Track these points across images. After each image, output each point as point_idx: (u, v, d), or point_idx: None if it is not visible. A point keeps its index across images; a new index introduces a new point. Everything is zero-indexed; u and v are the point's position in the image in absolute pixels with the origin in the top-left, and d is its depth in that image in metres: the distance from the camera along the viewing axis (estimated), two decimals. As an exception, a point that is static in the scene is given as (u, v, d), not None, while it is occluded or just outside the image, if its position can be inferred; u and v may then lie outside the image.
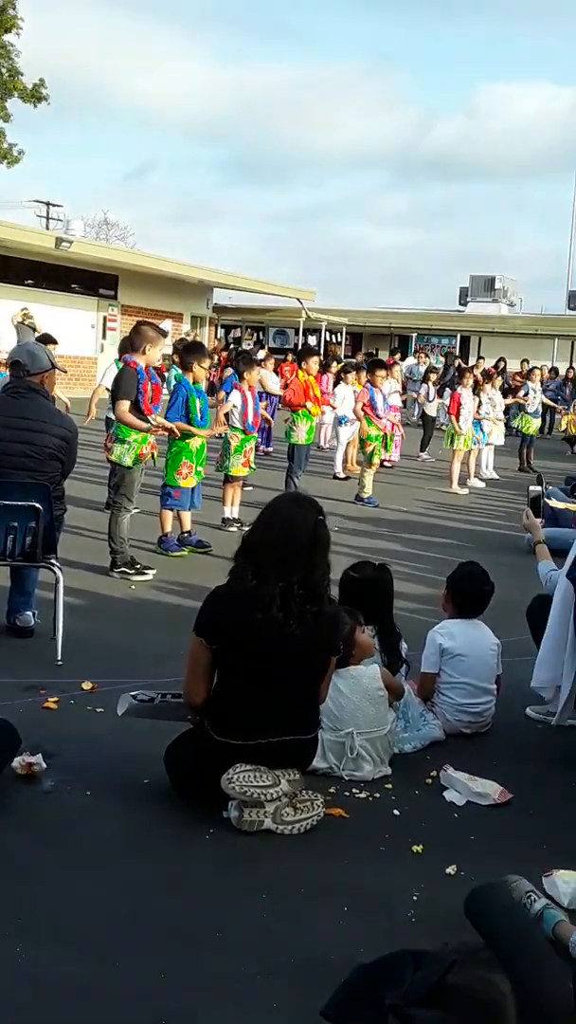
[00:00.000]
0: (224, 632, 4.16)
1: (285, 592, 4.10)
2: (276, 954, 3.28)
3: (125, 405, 8.11)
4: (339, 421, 16.53)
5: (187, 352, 9.76)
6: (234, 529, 10.35)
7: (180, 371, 9.63)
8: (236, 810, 4.09)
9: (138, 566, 8.27)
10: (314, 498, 4.58)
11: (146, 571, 8.26)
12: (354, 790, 4.58)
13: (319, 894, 3.69)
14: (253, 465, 11.15)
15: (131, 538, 8.51)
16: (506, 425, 19.02)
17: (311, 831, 4.14)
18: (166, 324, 12.89)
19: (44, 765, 4.42)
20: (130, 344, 8.61)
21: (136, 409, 8.19)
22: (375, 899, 3.69)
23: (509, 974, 2.52)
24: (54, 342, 11.83)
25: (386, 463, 15.88)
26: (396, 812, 4.42)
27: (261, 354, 22.63)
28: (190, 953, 3.26)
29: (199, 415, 9.31)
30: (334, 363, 21.01)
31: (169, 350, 17.35)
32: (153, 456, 8.52)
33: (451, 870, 3.90)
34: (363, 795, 4.55)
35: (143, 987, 3.06)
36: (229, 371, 15.50)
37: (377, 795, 4.56)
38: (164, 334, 9.00)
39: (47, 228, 40.11)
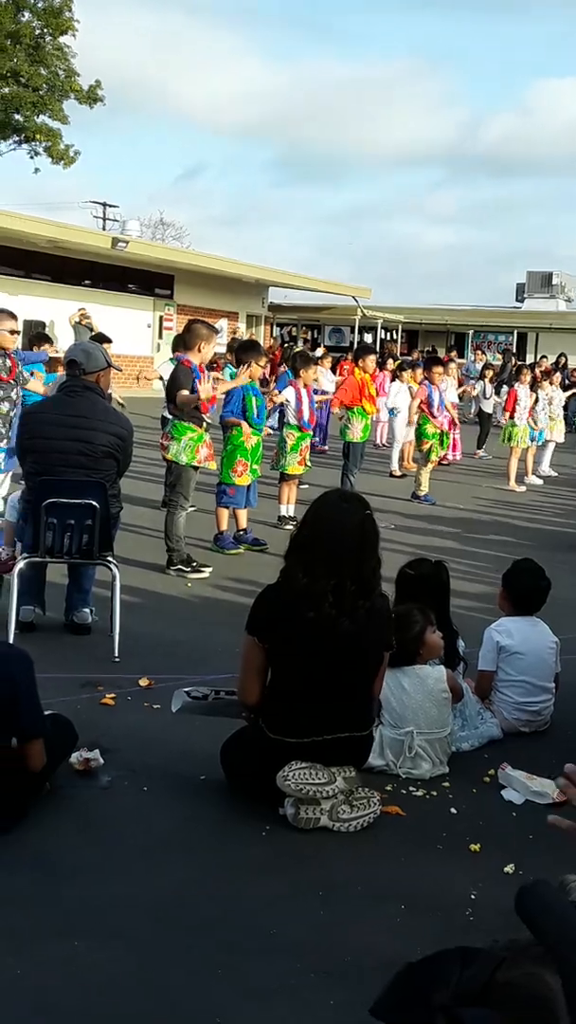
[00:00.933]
0: (277, 630, 4.15)
1: (337, 588, 4.08)
2: (332, 953, 3.26)
3: (184, 393, 8.12)
4: (390, 412, 16.48)
5: (243, 350, 9.76)
6: (290, 527, 10.32)
7: (236, 369, 9.62)
8: (292, 807, 4.08)
9: (194, 564, 8.29)
10: (360, 494, 4.56)
11: (202, 569, 8.27)
12: (411, 788, 4.55)
13: (375, 893, 3.67)
14: (309, 463, 11.14)
15: (187, 536, 8.53)
16: (566, 421, 18.83)
17: (367, 829, 4.12)
18: (220, 323, 12.91)
19: (101, 761, 4.44)
20: (183, 342, 8.63)
21: (193, 407, 8.21)
22: (432, 898, 3.66)
23: (560, 969, 2.47)
24: (108, 341, 11.89)
25: (444, 461, 15.79)
26: (453, 810, 4.38)
27: (319, 352, 22.64)
28: (245, 951, 3.25)
29: (256, 413, 9.32)
30: (390, 361, 20.92)
31: (223, 349, 17.40)
32: (212, 461, 8.53)
33: (509, 869, 3.86)
34: (420, 793, 4.52)
35: (198, 984, 3.06)
36: (283, 368, 15.52)
37: (434, 793, 4.53)
38: (216, 331, 9.02)
39: (103, 228, 40.44)
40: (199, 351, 8.35)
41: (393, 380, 17.35)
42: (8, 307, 9.38)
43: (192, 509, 8.82)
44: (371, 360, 12.95)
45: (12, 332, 8.67)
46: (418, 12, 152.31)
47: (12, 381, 8.61)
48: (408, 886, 3.72)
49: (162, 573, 8.18)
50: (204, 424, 8.33)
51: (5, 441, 8.65)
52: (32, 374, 10.35)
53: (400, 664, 4.72)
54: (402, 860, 3.94)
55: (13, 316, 8.86)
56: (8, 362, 8.59)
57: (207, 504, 9.85)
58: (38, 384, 9.78)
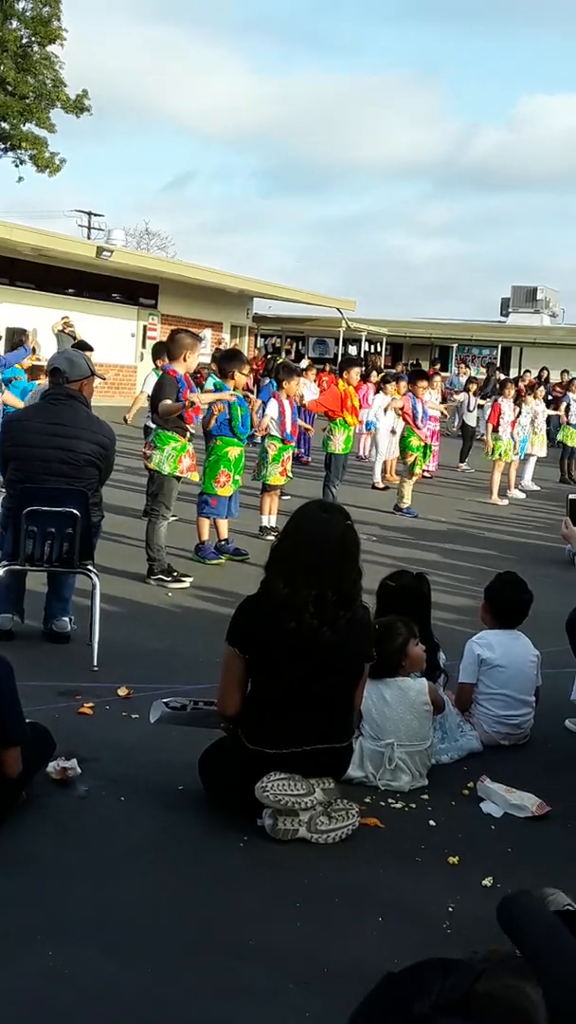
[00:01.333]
0: (257, 641, 4.14)
1: (318, 599, 4.07)
2: (309, 963, 3.24)
3: (167, 402, 8.11)
4: (367, 426, 16.52)
5: (226, 360, 9.75)
6: (271, 538, 10.31)
7: (220, 379, 9.62)
8: (270, 818, 4.05)
9: (175, 574, 8.27)
10: (342, 505, 4.56)
11: (183, 579, 8.25)
12: (390, 800, 4.54)
13: (353, 904, 3.65)
14: (291, 474, 11.13)
15: (168, 546, 8.51)
16: (548, 436, 18.89)
17: (346, 840, 4.10)
18: (203, 333, 12.92)
19: (79, 770, 4.42)
20: (167, 352, 8.62)
21: (176, 417, 8.20)
22: (410, 910, 3.64)
23: (542, 981, 2.46)
24: (90, 349, 11.89)
25: (425, 473, 15.82)
26: (432, 823, 4.37)
27: (304, 363, 22.67)
28: (223, 960, 3.23)
29: (240, 422, 9.32)
30: (374, 373, 20.96)
31: (207, 359, 17.41)
32: (195, 472, 8.52)
33: (487, 882, 3.85)
34: (399, 805, 4.51)
35: (176, 993, 3.04)
36: (266, 380, 15.53)
37: (413, 805, 4.52)
38: (200, 341, 9.02)
39: (88, 238, 40.44)
40: (184, 360, 8.35)
41: (377, 392, 17.38)
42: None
43: (174, 519, 8.80)
44: (355, 372, 12.96)
45: None
46: (411, 25, 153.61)
47: None
48: (387, 898, 3.71)
49: (142, 582, 8.16)
50: (188, 434, 8.32)
51: None
52: (7, 382, 10.33)
53: (382, 676, 4.71)
54: (381, 872, 3.93)
55: None
56: None
57: (188, 514, 9.83)
58: (15, 400, 9.77)
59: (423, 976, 2.56)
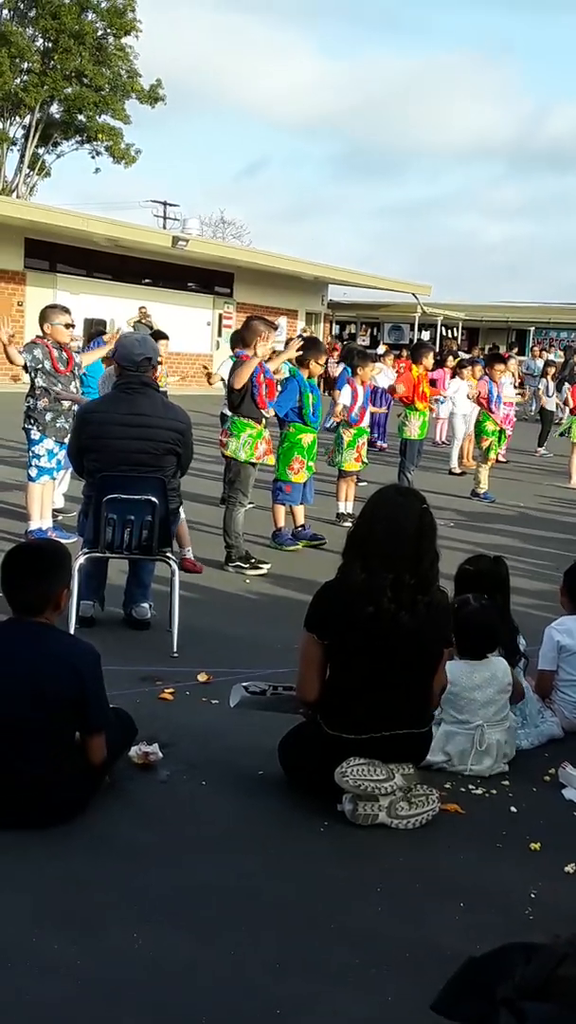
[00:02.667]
0: (335, 627, 4.14)
1: (396, 583, 4.06)
2: (390, 947, 3.26)
3: (242, 370, 8.17)
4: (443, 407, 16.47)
5: (303, 347, 9.76)
6: (348, 524, 10.30)
7: (294, 366, 9.63)
8: (350, 803, 4.07)
9: (252, 560, 8.31)
10: (417, 490, 4.55)
11: (260, 565, 8.29)
12: (470, 786, 4.53)
13: (434, 889, 3.65)
14: (366, 460, 11.12)
15: (246, 532, 8.55)
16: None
17: (426, 826, 4.10)
18: (281, 321, 12.92)
19: (160, 755, 4.47)
20: (241, 339, 8.65)
21: (251, 403, 8.23)
22: (491, 896, 3.63)
23: None
24: (165, 337, 11.97)
25: (500, 458, 15.68)
26: (513, 809, 4.35)
27: (380, 350, 22.58)
28: (304, 943, 3.25)
29: (311, 411, 9.33)
30: (450, 358, 20.82)
31: (283, 347, 17.41)
32: (270, 456, 8.55)
33: (570, 868, 3.82)
34: (479, 791, 4.49)
35: (257, 974, 3.07)
36: (340, 367, 15.48)
37: (494, 791, 4.50)
38: (275, 328, 9.02)
39: (164, 227, 40.67)
40: (255, 347, 8.37)
41: (453, 377, 17.26)
42: (68, 305, 9.46)
43: (251, 506, 8.83)
44: (428, 358, 12.89)
45: (67, 326, 8.74)
46: (481, 3, 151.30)
47: (70, 373, 8.67)
48: (467, 884, 3.70)
49: (220, 569, 8.21)
50: (263, 421, 8.35)
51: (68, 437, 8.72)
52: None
53: (472, 656, 4.70)
54: (461, 858, 3.92)
55: (66, 310, 8.94)
56: (65, 355, 8.65)
57: (266, 501, 9.86)
58: (93, 355, 9.84)
59: (506, 960, 2.56)
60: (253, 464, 8.31)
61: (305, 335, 22.49)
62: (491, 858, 3.93)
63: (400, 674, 4.11)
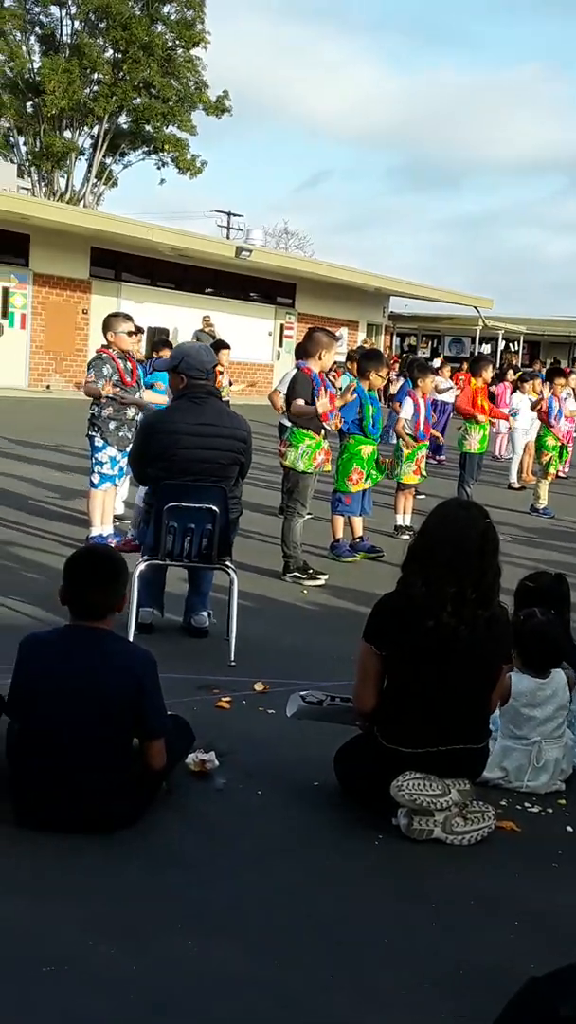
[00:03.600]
0: (394, 639, 4.13)
1: (457, 597, 4.05)
2: (443, 966, 3.24)
3: (299, 403, 8.18)
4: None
5: (365, 359, 9.77)
6: (406, 537, 10.29)
7: (355, 377, 9.65)
8: (405, 817, 4.06)
9: (310, 571, 8.32)
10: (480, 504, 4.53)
11: (318, 576, 8.29)
12: (526, 804, 4.49)
13: (488, 907, 3.63)
14: (424, 473, 11.10)
15: (304, 543, 8.56)
16: None
17: (481, 843, 4.08)
18: (341, 332, 12.95)
19: (217, 763, 4.48)
20: (304, 350, 8.67)
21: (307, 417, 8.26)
22: (546, 916, 3.60)
23: None
24: (227, 347, 12.06)
25: (560, 474, 15.56)
26: (569, 828, 4.32)
27: (437, 362, 22.52)
28: (356, 958, 3.25)
29: (371, 423, 9.33)
30: (510, 372, 20.69)
31: (343, 358, 17.45)
32: (328, 465, 8.56)
33: (627, 891, 3.78)
34: (535, 809, 4.46)
35: (308, 989, 3.06)
36: (400, 380, 15.46)
37: (550, 810, 4.47)
38: (337, 339, 9.04)
39: (227, 238, 40.89)
40: (319, 359, 8.39)
41: (514, 391, 17.16)
42: (131, 314, 9.56)
43: (309, 516, 8.85)
44: (488, 371, 12.83)
45: (130, 334, 8.82)
46: (544, 16, 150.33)
47: (135, 385, 8.75)
48: (522, 902, 3.68)
49: (278, 579, 8.22)
50: (323, 431, 8.36)
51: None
52: (153, 385, 10.54)
53: (536, 669, 4.68)
54: (516, 876, 3.89)
55: (129, 318, 9.02)
56: (129, 365, 8.72)
57: (324, 512, 9.87)
58: (159, 398, 9.94)
59: (569, 979, 2.53)
60: (311, 474, 8.32)
61: (366, 346, 22.50)
62: (546, 877, 3.90)
63: (458, 689, 4.09)
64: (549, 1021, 2.37)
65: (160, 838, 3.92)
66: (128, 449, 8.56)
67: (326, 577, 8.33)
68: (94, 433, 8.63)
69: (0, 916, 3.32)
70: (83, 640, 4.01)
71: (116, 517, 9.41)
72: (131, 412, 8.67)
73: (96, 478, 8.67)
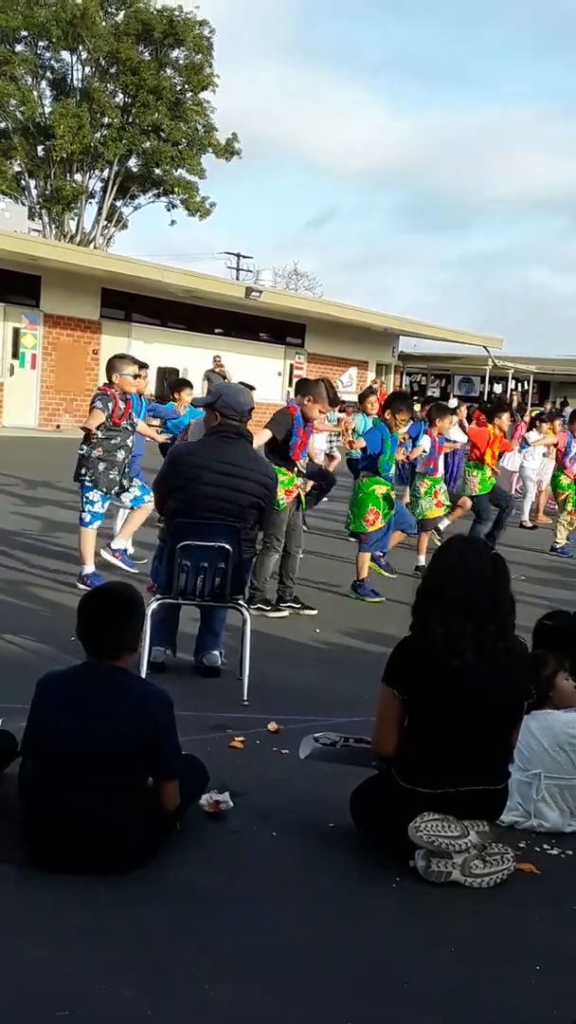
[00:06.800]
0: (416, 682, 4.08)
1: (477, 631, 4.01)
2: (465, 1008, 3.18)
3: (265, 435, 8.16)
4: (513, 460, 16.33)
5: (392, 400, 9.92)
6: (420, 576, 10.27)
7: (379, 417, 9.72)
8: (424, 860, 3.99)
9: (273, 604, 8.32)
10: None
11: (281, 608, 8.33)
12: (545, 846, 4.43)
13: (510, 951, 3.57)
14: (447, 504, 11.26)
15: (301, 578, 8.55)
16: None
17: (500, 885, 4.01)
18: (349, 373, 13.05)
19: (231, 804, 4.43)
20: (302, 390, 8.73)
21: (282, 449, 8.22)
22: (569, 960, 3.54)
23: None
24: (252, 388, 12.11)
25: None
26: (590, 870, 4.25)
27: (453, 403, 22.58)
28: (375, 1001, 3.19)
29: (386, 463, 9.33)
30: (525, 412, 20.71)
31: (353, 396, 17.51)
32: (301, 499, 8.53)
33: None
34: (555, 851, 4.39)
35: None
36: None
37: (570, 852, 4.40)
38: (336, 403, 9.05)
39: (237, 279, 41.16)
40: (305, 403, 8.35)
41: (530, 430, 17.15)
42: (142, 353, 9.61)
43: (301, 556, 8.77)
44: (504, 418, 12.80)
45: (135, 376, 8.85)
46: (547, 58, 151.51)
47: (124, 423, 8.69)
48: (544, 946, 3.61)
49: (287, 618, 8.17)
50: (295, 469, 8.31)
51: (124, 485, 8.80)
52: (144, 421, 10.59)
53: (530, 708, 4.62)
54: (537, 919, 3.83)
55: (134, 361, 9.07)
56: (124, 405, 8.70)
57: (335, 550, 9.83)
58: (148, 429, 9.95)
59: None
60: (282, 510, 8.21)
61: (375, 387, 22.58)
62: (567, 920, 3.84)
63: (479, 728, 4.04)
64: None
65: (175, 878, 3.87)
66: (114, 492, 8.69)
67: (314, 612, 8.35)
68: (84, 473, 8.64)
69: (14, 957, 3.27)
70: (99, 679, 3.97)
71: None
72: (121, 455, 8.67)
73: (87, 516, 8.66)
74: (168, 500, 6.31)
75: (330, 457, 13.41)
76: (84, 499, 8.70)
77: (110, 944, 3.39)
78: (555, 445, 14.20)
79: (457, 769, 4.03)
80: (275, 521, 8.25)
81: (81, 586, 8.31)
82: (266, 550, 8.26)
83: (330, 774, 4.68)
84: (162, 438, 10.24)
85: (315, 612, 8.40)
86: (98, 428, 8.50)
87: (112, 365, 8.86)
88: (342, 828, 4.35)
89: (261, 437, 8.09)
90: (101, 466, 8.58)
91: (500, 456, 12.54)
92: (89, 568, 8.58)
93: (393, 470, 9.80)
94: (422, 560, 10.76)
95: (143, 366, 10.65)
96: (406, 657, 4.14)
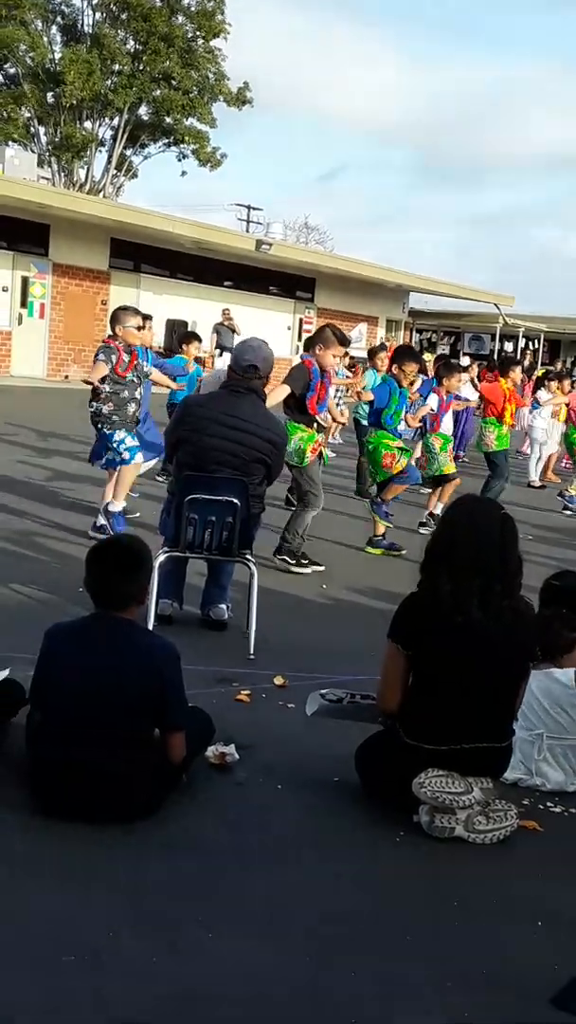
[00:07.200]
0: (422, 638, 4.09)
1: (484, 590, 4.01)
2: (466, 964, 3.20)
3: (283, 390, 8.14)
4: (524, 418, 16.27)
5: (398, 354, 9.86)
6: (425, 532, 10.27)
7: (384, 373, 9.66)
8: (427, 815, 4.02)
9: (304, 560, 8.32)
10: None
11: (312, 565, 8.33)
12: (548, 804, 4.45)
13: (511, 907, 3.60)
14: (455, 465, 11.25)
15: (330, 537, 8.50)
16: None
17: (503, 842, 4.04)
18: (359, 328, 12.97)
19: (237, 756, 4.46)
20: (310, 343, 8.69)
21: (299, 405, 8.21)
22: (569, 915, 3.57)
23: None
24: (197, 339, 12.08)
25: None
26: (592, 829, 4.27)
27: (464, 361, 22.48)
28: (380, 955, 3.21)
29: (390, 416, 9.30)
30: (534, 371, 20.62)
31: (363, 352, 17.42)
32: (323, 455, 8.51)
33: None
34: (558, 809, 4.42)
35: (333, 985, 3.03)
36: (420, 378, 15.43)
37: (573, 810, 4.42)
38: (348, 340, 8.91)
39: (247, 231, 40.82)
40: (317, 353, 8.33)
41: (537, 389, 17.08)
42: (151, 305, 9.55)
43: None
44: (517, 372, 12.76)
45: (139, 328, 8.78)
46: (568, 10, 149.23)
47: (129, 375, 8.63)
48: (545, 902, 3.64)
49: (295, 573, 8.18)
50: (315, 424, 8.30)
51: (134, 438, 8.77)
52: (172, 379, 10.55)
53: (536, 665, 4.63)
54: (539, 876, 3.86)
55: (137, 312, 9.00)
56: (128, 357, 8.64)
57: (346, 508, 9.82)
58: (162, 377, 9.90)
59: None
60: (305, 467, 8.24)
61: (387, 343, 22.46)
62: (569, 877, 3.87)
63: (484, 686, 4.05)
64: None
65: (180, 829, 3.89)
66: (136, 430, 8.70)
67: (322, 568, 8.33)
68: (100, 425, 8.61)
69: (21, 904, 3.31)
70: (107, 631, 3.98)
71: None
72: (131, 408, 8.62)
73: (126, 454, 8.59)
74: (177, 451, 6.33)
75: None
76: (113, 443, 8.64)
77: (115, 892, 3.42)
78: (567, 405, 14.13)
79: (462, 726, 4.04)
80: (311, 477, 8.26)
81: (92, 533, 8.33)
82: (304, 506, 8.26)
83: (336, 729, 4.69)
84: (176, 386, 10.21)
85: (322, 568, 8.38)
86: (104, 382, 8.45)
87: (115, 317, 8.82)
88: (347, 783, 4.37)
89: (279, 393, 8.07)
90: (116, 418, 8.54)
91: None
92: (119, 505, 8.55)
93: (402, 426, 9.78)
94: (436, 508, 10.75)
95: (147, 317, 10.61)
96: (412, 613, 4.14)
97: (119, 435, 8.57)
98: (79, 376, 25.99)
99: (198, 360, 12.48)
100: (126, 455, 8.60)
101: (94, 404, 8.60)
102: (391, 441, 9.28)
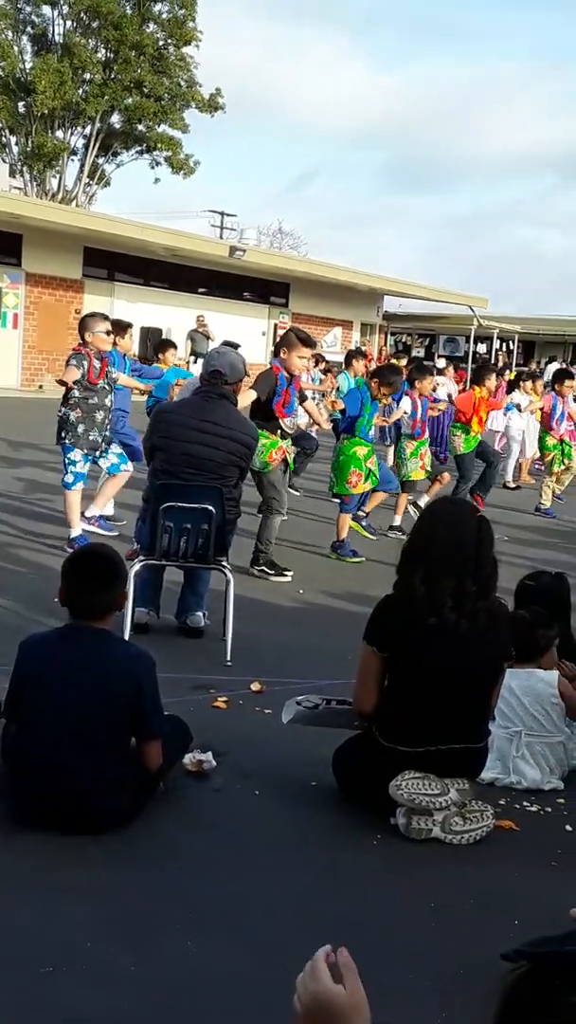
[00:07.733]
0: (396, 639, 4.12)
1: (458, 590, 4.04)
2: (444, 964, 3.23)
3: (250, 395, 8.11)
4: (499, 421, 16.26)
5: (383, 371, 9.92)
6: (395, 536, 10.31)
7: (360, 378, 9.67)
8: (404, 817, 4.04)
9: (278, 568, 8.33)
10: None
11: (284, 573, 8.33)
12: (524, 803, 4.48)
13: (488, 907, 3.62)
14: (428, 469, 11.15)
15: (281, 539, 8.55)
16: None
17: (480, 842, 4.06)
18: (333, 333, 12.97)
19: (214, 763, 4.47)
20: (276, 352, 8.71)
21: (265, 411, 8.20)
22: (547, 915, 3.56)
23: None
24: (237, 346, 12.05)
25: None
26: (568, 828, 4.30)
27: (441, 363, 22.56)
28: (357, 958, 3.21)
29: (364, 424, 9.32)
30: (507, 372, 20.70)
31: (341, 357, 17.46)
32: (288, 461, 8.51)
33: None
34: (534, 808, 4.45)
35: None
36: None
37: (548, 809, 4.46)
38: (312, 343, 8.87)
39: (221, 237, 40.84)
40: (283, 357, 8.34)
41: (510, 391, 17.13)
42: (125, 313, 9.55)
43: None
44: (491, 380, 12.78)
45: (108, 333, 8.78)
46: (535, 13, 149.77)
47: (101, 382, 8.63)
48: (522, 902, 3.67)
49: (270, 579, 8.19)
50: (279, 431, 8.28)
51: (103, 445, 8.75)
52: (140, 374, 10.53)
53: (513, 664, 4.66)
54: (516, 875, 3.89)
55: (106, 318, 9.02)
56: (99, 364, 8.64)
57: (318, 511, 9.85)
58: (130, 380, 9.88)
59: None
60: (270, 472, 8.22)
61: (363, 348, 22.52)
62: (545, 876, 3.89)
63: (459, 687, 4.08)
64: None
65: (157, 837, 3.90)
66: (95, 455, 8.68)
67: (291, 574, 8.33)
68: (64, 436, 8.61)
69: (-1, 917, 3.31)
70: (82, 640, 3.99)
71: (107, 517, 9.40)
72: (100, 416, 8.62)
73: (70, 478, 8.62)
74: (153, 458, 6.39)
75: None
76: (66, 460, 8.67)
77: (94, 902, 3.43)
78: (541, 409, 14.18)
79: (437, 728, 4.07)
80: (272, 483, 8.26)
81: (69, 550, 8.33)
82: (270, 513, 8.27)
83: (313, 733, 4.71)
84: (144, 387, 10.19)
85: (288, 577, 8.38)
86: (75, 386, 8.44)
87: (84, 324, 8.81)
88: (324, 786, 4.39)
89: (246, 398, 8.07)
90: (80, 428, 8.54)
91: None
92: (76, 531, 8.57)
93: (374, 431, 9.80)
94: (398, 520, 10.79)
95: (126, 327, 10.61)
96: (387, 615, 4.17)
97: (73, 455, 8.58)
98: (54, 386, 26.00)
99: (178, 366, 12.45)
100: (69, 479, 8.61)
101: (62, 409, 8.59)
102: (362, 448, 9.29)
